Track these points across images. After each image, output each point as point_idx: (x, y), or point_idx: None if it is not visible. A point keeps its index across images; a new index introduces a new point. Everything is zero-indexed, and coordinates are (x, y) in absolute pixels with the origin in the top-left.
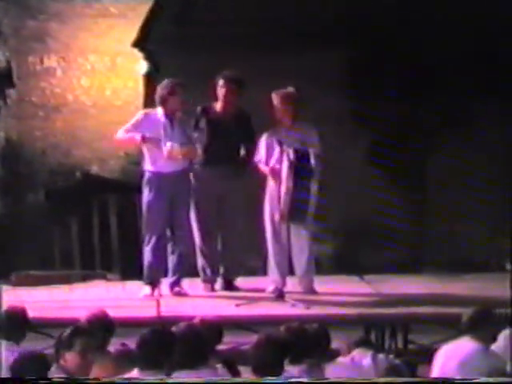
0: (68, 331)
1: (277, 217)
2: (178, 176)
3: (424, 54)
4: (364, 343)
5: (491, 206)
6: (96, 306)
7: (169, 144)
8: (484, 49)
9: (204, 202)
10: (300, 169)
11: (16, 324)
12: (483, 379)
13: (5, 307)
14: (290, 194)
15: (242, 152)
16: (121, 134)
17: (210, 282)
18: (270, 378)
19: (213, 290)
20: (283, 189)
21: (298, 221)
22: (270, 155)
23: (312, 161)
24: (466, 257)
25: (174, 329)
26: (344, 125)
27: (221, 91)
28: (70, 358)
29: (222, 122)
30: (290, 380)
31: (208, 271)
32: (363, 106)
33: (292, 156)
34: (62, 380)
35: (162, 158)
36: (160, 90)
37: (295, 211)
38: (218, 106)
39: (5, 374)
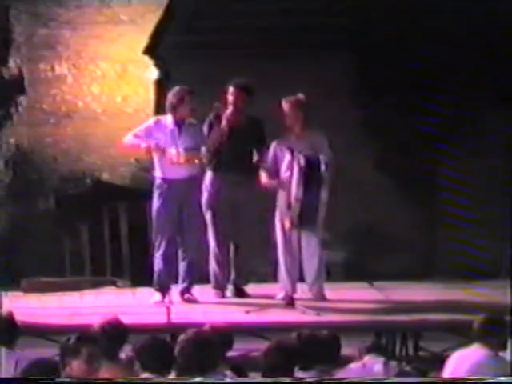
0: (73, 339)
1: (287, 223)
2: (187, 182)
3: (435, 62)
4: (375, 349)
5: (501, 213)
6: (106, 313)
7: (173, 150)
8: (493, 56)
9: (219, 208)
10: (310, 176)
11: (5, 329)
12: (493, 379)
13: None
14: (301, 201)
15: (256, 157)
16: (129, 138)
17: (220, 288)
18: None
19: (223, 296)
20: (293, 196)
21: (308, 227)
22: (280, 162)
23: (323, 167)
24: (477, 264)
25: (182, 336)
26: (354, 133)
27: (230, 98)
28: (76, 366)
29: (233, 129)
30: (287, 380)
31: (220, 278)
32: (373, 114)
33: (303, 163)
34: (65, 381)
35: (169, 164)
36: (169, 97)
37: (305, 218)
38: (229, 112)
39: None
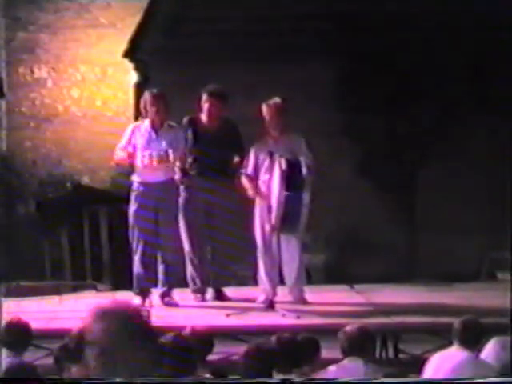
0: (72, 343)
1: (267, 227)
2: (163, 185)
3: (415, 67)
4: (355, 351)
5: (481, 216)
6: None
7: (146, 153)
8: (476, 62)
9: (193, 212)
10: (292, 178)
11: (18, 336)
12: (479, 379)
13: (6, 319)
14: (283, 204)
15: (235, 159)
16: (117, 153)
17: (199, 292)
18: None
19: (203, 300)
20: (275, 199)
21: (290, 231)
22: (260, 166)
23: (304, 170)
24: (456, 267)
25: (162, 339)
26: (334, 137)
27: (204, 105)
28: (78, 371)
29: (209, 133)
30: (287, 380)
31: (198, 281)
32: (353, 118)
33: (284, 165)
34: (62, 380)
35: (142, 167)
36: (141, 102)
37: (287, 221)
38: (203, 117)
39: None
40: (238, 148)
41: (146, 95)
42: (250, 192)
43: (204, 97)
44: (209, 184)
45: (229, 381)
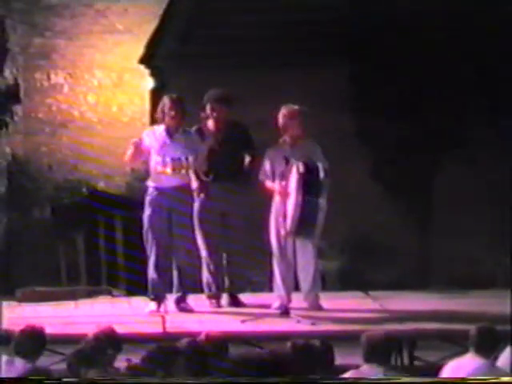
0: (88, 348)
1: (283, 232)
2: (177, 190)
3: (428, 71)
4: (376, 359)
5: (496, 222)
6: (102, 323)
7: (160, 158)
8: (488, 69)
9: (209, 218)
10: (310, 182)
11: (33, 342)
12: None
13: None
14: (300, 208)
15: (247, 161)
16: (127, 153)
17: (215, 298)
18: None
19: (218, 306)
20: (292, 203)
21: (306, 235)
22: (275, 172)
23: (322, 174)
24: (472, 273)
25: (177, 344)
26: (349, 142)
27: (211, 113)
28: (94, 374)
29: (219, 140)
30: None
31: (213, 287)
32: (366, 122)
33: (302, 169)
34: (64, 380)
35: (156, 173)
36: (159, 106)
37: (304, 225)
38: (210, 124)
39: None
40: (249, 149)
41: (165, 99)
42: (273, 189)
43: (209, 104)
44: (224, 190)
45: (229, 381)
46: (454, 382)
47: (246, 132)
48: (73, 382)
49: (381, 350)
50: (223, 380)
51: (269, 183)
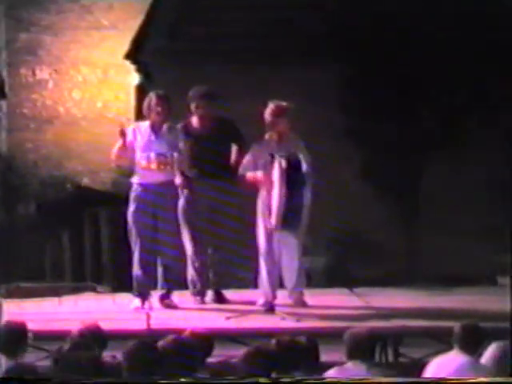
0: (73, 344)
1: (269, 226)
2: (162, 187)
3: (419, 71)
4: (360, 355)
5: (482, 221)
6: (86, 319)
7: (145, 154)
8: (482, 66)
9: (195, 215)
10: (293, 176)
11: (15, 338)
12: (480, 379)
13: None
14: (284, 201)
15: (234, 152)
16: (113, 150)
17: (199, 294)
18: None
19: (203, 302)
20: (276, 196)
21: (291, 229)
22: (259, 167)
23: (304, 167)
24: (457, 270)
25: (161, 341)
26: (336, 139)
27: (197, 109)
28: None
29: (205, 136)
30: (287, 379)
31: (198, 285)
32: (355, 120)
33: (284, 164)
34: (61, 380)
35: (142, 169)
36: (145, 102)
37: (288, 219)
38: (195, 120)
39: None
40: (238, 140)
41: (152, 95)
42: (253, 179)
43: (194, 101)
44: (210, 187)
45: (229, 381)
46: (432, 382)
47: (233, 126)
48: (72, 381)
49: (364, 346)
50: (223, 380)
51: (249, 174)
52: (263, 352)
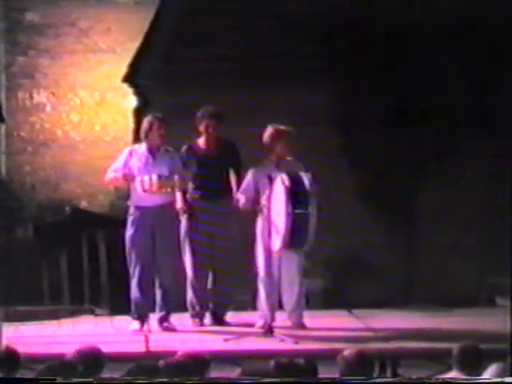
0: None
1: (272, 247)
2: (160, 209)
3: (415, 88)
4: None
5: (480, 241)
6: (84, 342)
7: (146, 178)
8: (474, 82)
9: (197, 238)
10: (296, 194)
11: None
12: (483, 379)
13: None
14: (290, 221)
15: (232, 177)
16: (109, 174)
17: (198, 317)
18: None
19: (201, 324)
20: (281, 217)
21: (297, 248)
22: (260, 190)
23: (307, 184)
24: (455, 291)
25: (160, 363)
26: (332, 159)
27: (206, 128)
28: None
29: (208, 157)
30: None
31: (197, 307)
32: (352, 139)
33: (287, 182)
34: (63, 381)
35: (141, 192)
36: (142, 125)
37: (295, 238)
38: (202, 141)
39: None
40: (236, 165)
41: (152, 119)
42: (244, 209)
43: (204, 120)
44: (211, 209)
45: (228, 381)
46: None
47: (234, 149)
48: (72, 382)
49: (356, 368)
50: (223, 380)
51: (242, 202)
52: (262, 374)
